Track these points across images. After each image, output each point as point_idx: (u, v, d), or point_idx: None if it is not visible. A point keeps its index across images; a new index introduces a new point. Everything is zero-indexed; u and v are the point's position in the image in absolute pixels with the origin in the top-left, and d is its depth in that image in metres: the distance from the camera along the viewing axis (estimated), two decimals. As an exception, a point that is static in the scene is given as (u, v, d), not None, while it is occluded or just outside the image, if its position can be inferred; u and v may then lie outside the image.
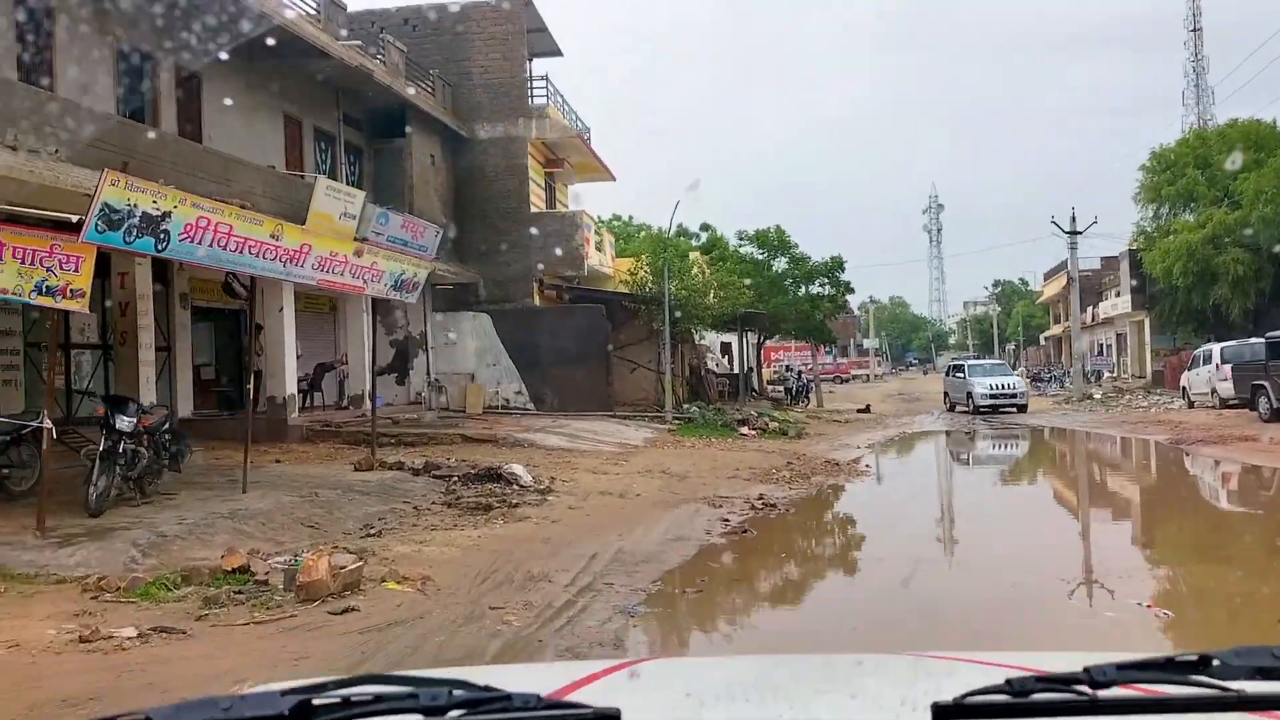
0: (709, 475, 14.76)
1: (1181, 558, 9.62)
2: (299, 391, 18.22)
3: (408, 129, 21.56)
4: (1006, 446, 22.62)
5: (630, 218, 52.36)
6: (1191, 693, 1.02)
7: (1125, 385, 42.87)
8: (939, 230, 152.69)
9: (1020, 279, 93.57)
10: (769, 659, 2.45)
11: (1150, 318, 44.45)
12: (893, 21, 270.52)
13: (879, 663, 1.73)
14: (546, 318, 23.59)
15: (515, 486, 12.80)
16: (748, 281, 32.36)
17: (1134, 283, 45.15)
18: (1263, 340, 26.64)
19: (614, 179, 28.67)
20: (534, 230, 23.22)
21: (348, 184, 19.31)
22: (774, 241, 38.04)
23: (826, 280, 37.58)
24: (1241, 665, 1.04)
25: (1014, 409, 29.15)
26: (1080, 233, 38.72)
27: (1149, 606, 6.94)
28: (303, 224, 13.20)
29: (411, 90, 21.16)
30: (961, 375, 31.66)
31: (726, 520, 11.13)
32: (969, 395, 29.90)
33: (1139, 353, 47.85)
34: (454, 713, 1.06)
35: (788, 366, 41.51)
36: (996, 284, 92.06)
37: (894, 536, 10.76)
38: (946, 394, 33.21)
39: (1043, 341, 74.47)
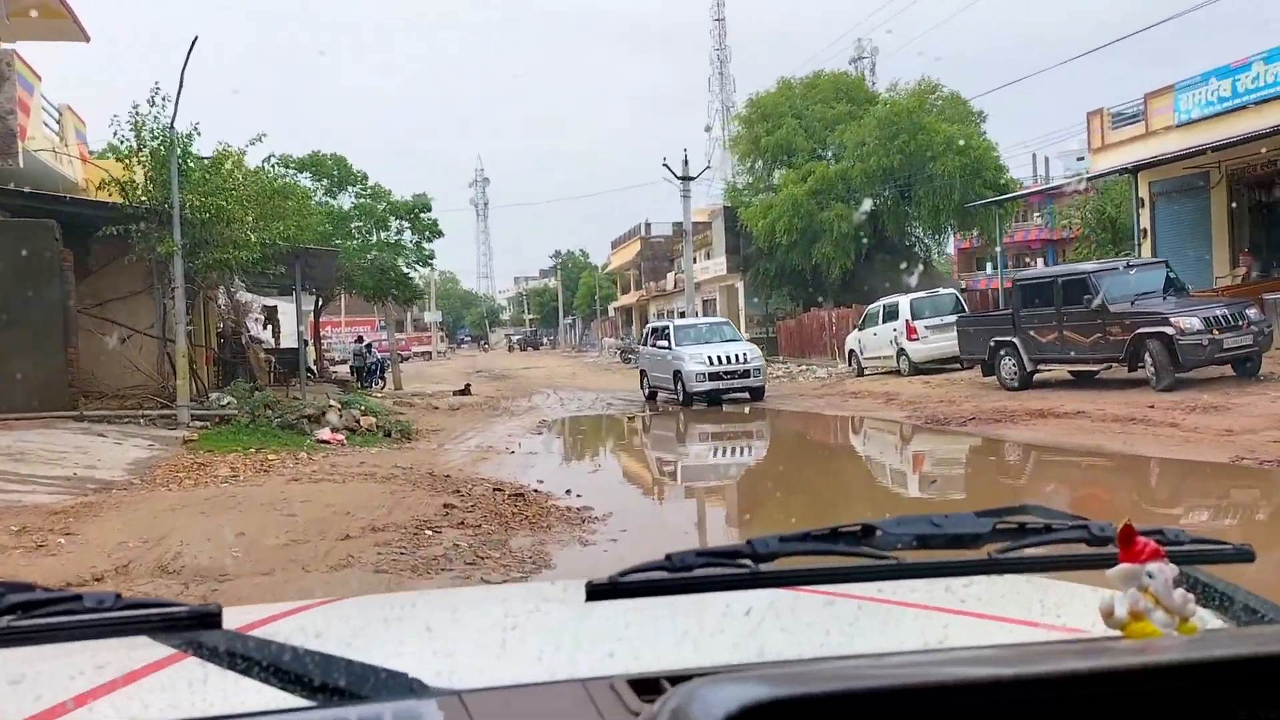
0: (284, 560, 6.19)
1: None
2: None
3: None
4: (738, 441, 15.94)
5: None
6: (852, 563, 1.02)
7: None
8: (486, 205, 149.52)
9: (581, 250, 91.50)
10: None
11: (745, 280, 41.74)
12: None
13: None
14: (-65, 242, 12.81)
15: None
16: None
17: (728, 243, 42.14)
18: (951, 291, 23.26)
19: (86, 38, 17.90)
20: (-101, 74, 12.36)
21: None
22: (334, 172, 28.95)
23: (408, 223, 29.34)
24: (902, 533, 1.03)
25: (746, 394, 18.92)
26: (693, 178, 34.23)
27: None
28: None
29: None
30: (665, 345, 19.88)
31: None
32: (677, 376, 19.04)
33: (731, 318, 45.25)
34: (6, 619, 0.89)
35: (359, 339, 32.45)
36: (557, 254, 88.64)
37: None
38: (644, 375, 21.46)
39: (611, 313, 71.75)
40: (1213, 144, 18.95)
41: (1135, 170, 20.43)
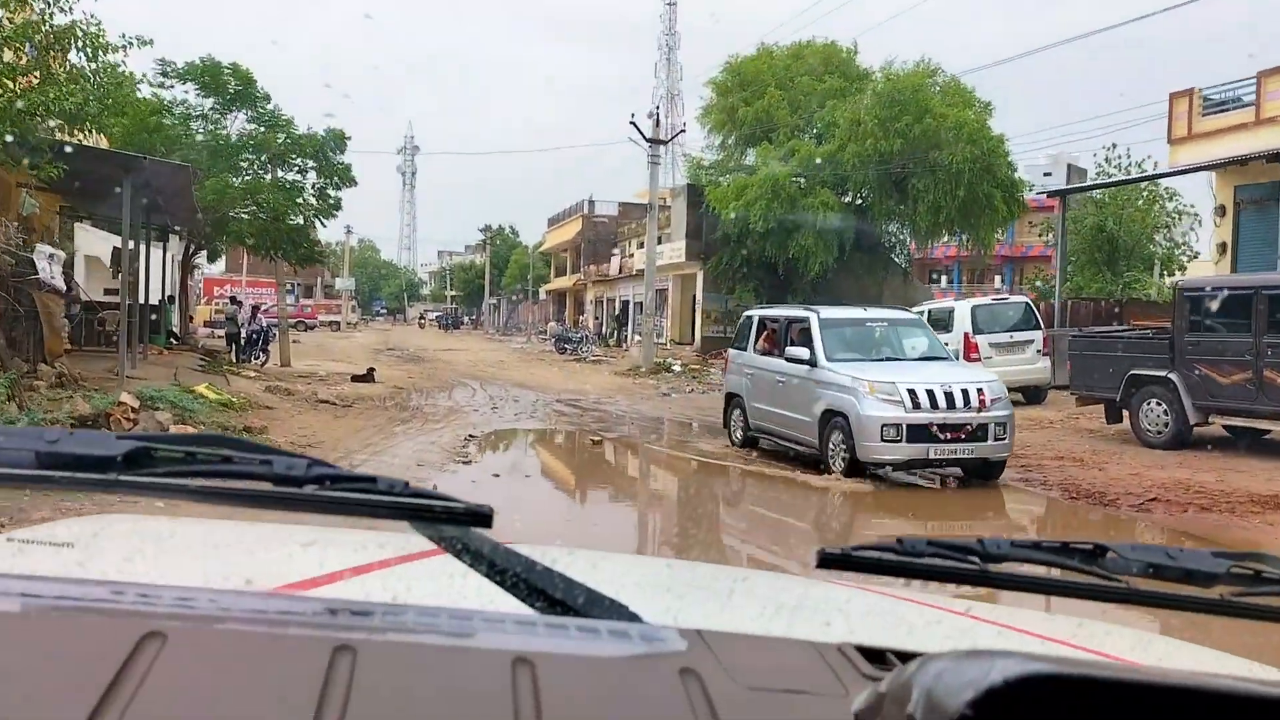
0: None
1: None
2: None
3: None
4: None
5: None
6: (1080, 579, 1.01)
7: (679, 353, 34.29)
8: (413, 174, 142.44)
9: (511, 228, 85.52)
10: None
11: (705, 271, 36.52)
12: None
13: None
14: None
15: None
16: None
17: (689, 226, 36.79)
18: (1023, 300, 18.22)
19: None
20: None
21: None
22: (229, 84, 22.80)
23: (314, 165, 23.36)
24: (1135, 559, 1.01)
25: (960, 468, 9.87)
26: (665, 142, 28.86)
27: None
28: None
29: None
30: (803, 356, 10.55)
31: None
32: (830, 420, 9.99)
33: (682, 313, 40.01)
34: (310, 487, 0.96)
35: (233, 299, 26.28)
36: (486, 229, 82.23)
37: None
38: (734, 402, 12.42)
39: (543, 296, 66.02)
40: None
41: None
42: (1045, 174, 47.46)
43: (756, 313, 12.81)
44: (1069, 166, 53.32)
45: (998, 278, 55.25)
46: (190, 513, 1.04)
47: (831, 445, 9.92)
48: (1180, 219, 35.28)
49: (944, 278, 57.83)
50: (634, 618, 0.91)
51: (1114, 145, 34.95)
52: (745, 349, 12.34)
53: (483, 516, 0.95)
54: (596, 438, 13.23)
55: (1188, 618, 1.16)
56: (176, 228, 22.50)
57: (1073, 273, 32.75)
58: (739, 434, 12.16)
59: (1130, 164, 33.43)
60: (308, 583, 1.03)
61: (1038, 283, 36.34)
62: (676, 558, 6.44)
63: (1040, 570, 1.02)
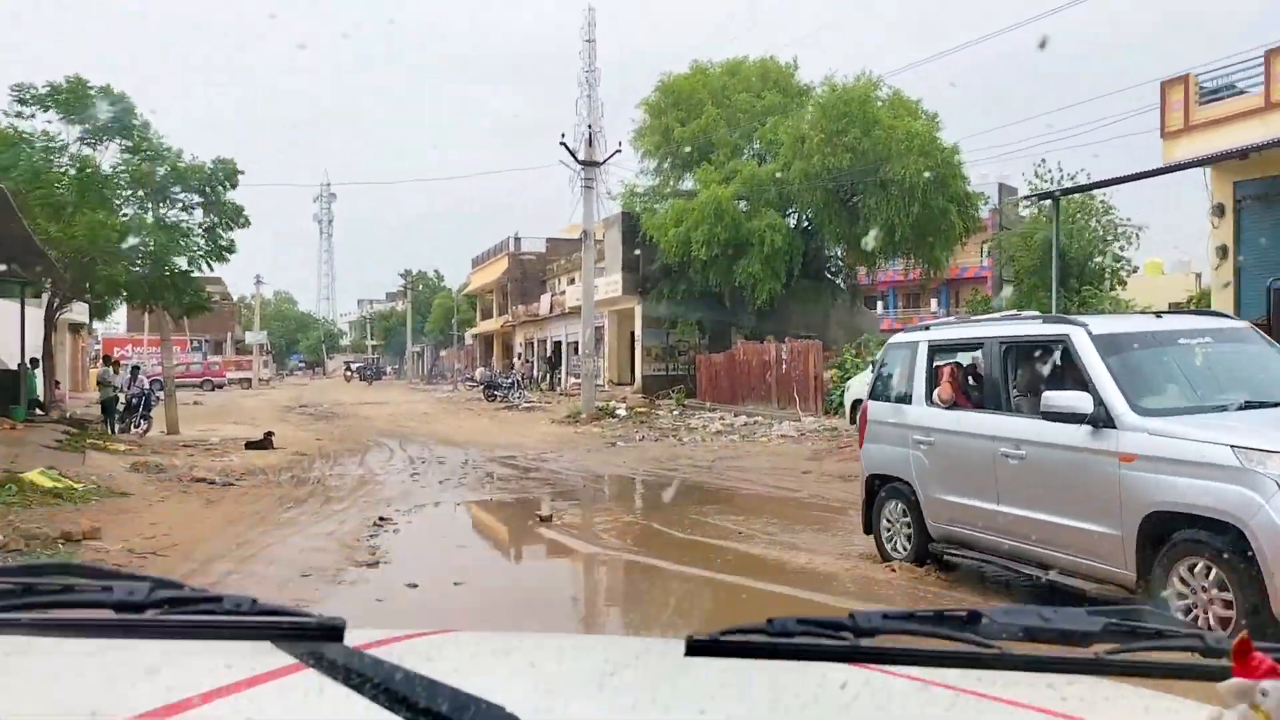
0: None
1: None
2: None
3: None
4: None
5: None
6: (954, 648, 0.99)
7: (619, 394, 31.59)
8: (330, 221, 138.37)
9: (435, 271, 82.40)
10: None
11: (643, 306, 33.98)
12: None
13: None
14: None
15: None
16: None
17: (625, 258, 34.22)
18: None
19: None
20: None
21: None
22: (93, 109, 19.71)
23: (201, 201, 20.34)
24: (1009, 624, 1.01)
25: None
26: (598, 164, 26.32)
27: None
28: None
29: None
30: (1084, 419, 5.69)
31: None
32: (1181, 539, 5.21)
33: (620, 351, 37.33)
34: (152, 612, 0.95)
35: (106, 358, 22.76)
36: (406, 273, 78.95)
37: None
38: (894, 486, 7.52)
39: (469, 340, 62.86)
40: None
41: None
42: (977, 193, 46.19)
43: (923, 337, 7.73)
44: (1000, 185, 52.10)
45: (934, 301, 53.73)
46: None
47: (1184, 587, 5.21)
48: (1116, 231, 33.98)
49: (879, 303, 56.26)
50: (499, 717, 0.87)
51: (1043, 160, 33.46)
52: (908, 399, 7.50)
53: (335, 630, 0.93)
54: (546, 513, 10.26)
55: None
56: (43, 279, 19.22)
57: (1025, 291, 30.84)
58: (904, 542, 7.46)
59: (1062, 177, 31.98)
60: (157, 712, 0.98)
61: (979, 305, 34.67)
62: None
63: (915, 642, 0.98)
